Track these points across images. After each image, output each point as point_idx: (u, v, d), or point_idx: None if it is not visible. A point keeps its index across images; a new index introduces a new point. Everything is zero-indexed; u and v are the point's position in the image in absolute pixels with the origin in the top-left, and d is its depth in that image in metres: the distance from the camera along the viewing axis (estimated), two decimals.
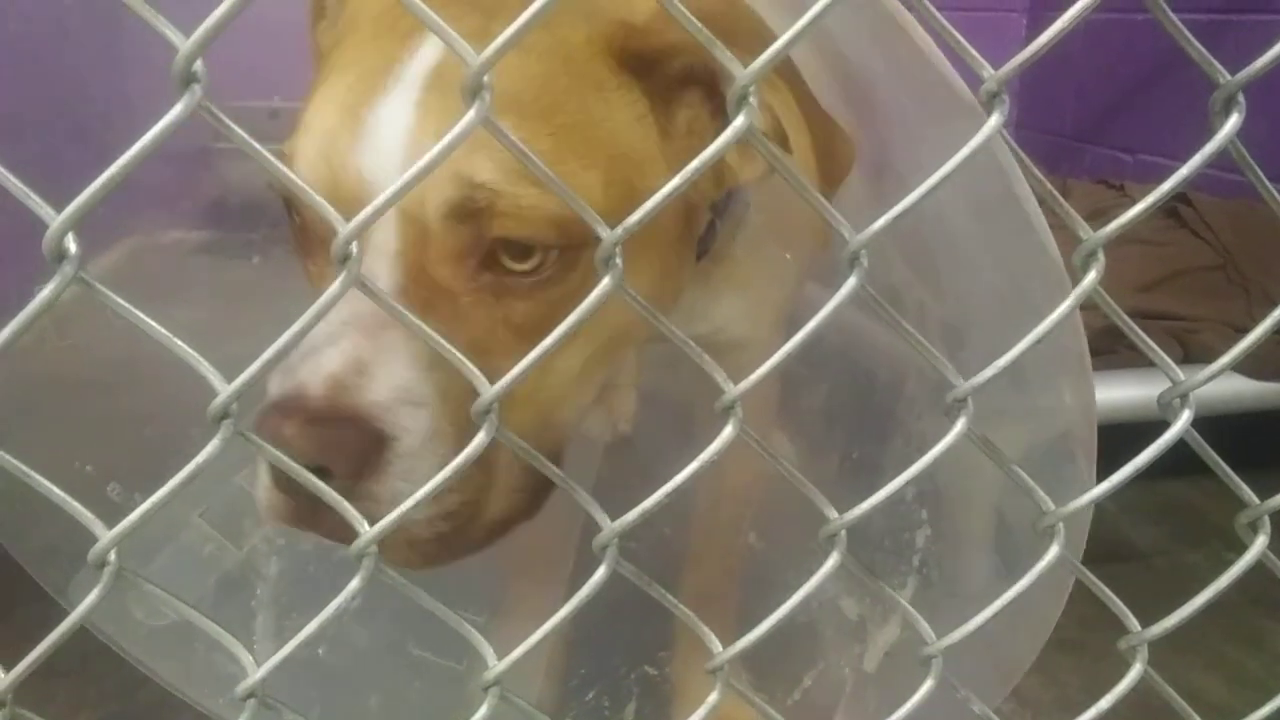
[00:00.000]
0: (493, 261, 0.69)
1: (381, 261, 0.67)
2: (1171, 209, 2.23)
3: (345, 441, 0.63)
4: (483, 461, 0.66)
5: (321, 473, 0.57)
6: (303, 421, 0.61)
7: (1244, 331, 0.53)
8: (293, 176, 0.41)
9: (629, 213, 0.69)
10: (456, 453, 0.65)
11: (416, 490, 0.63)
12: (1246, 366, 1.70)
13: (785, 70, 0.72)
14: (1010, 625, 0.59)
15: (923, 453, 0.54)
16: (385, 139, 0.67)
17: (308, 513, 0.66)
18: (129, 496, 1.07)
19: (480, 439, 0.47)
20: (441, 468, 0.64)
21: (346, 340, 0.64)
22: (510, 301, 0.70)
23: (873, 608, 1.11)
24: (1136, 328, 0.52)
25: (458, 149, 0.65)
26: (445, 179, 0.65)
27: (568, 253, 0.69)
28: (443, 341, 0.47)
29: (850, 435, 1.14)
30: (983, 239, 0.78)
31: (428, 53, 0.68)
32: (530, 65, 0.68)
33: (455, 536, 0.70)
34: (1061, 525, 0.55)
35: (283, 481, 0.66)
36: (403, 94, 0.67)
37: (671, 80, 0.75)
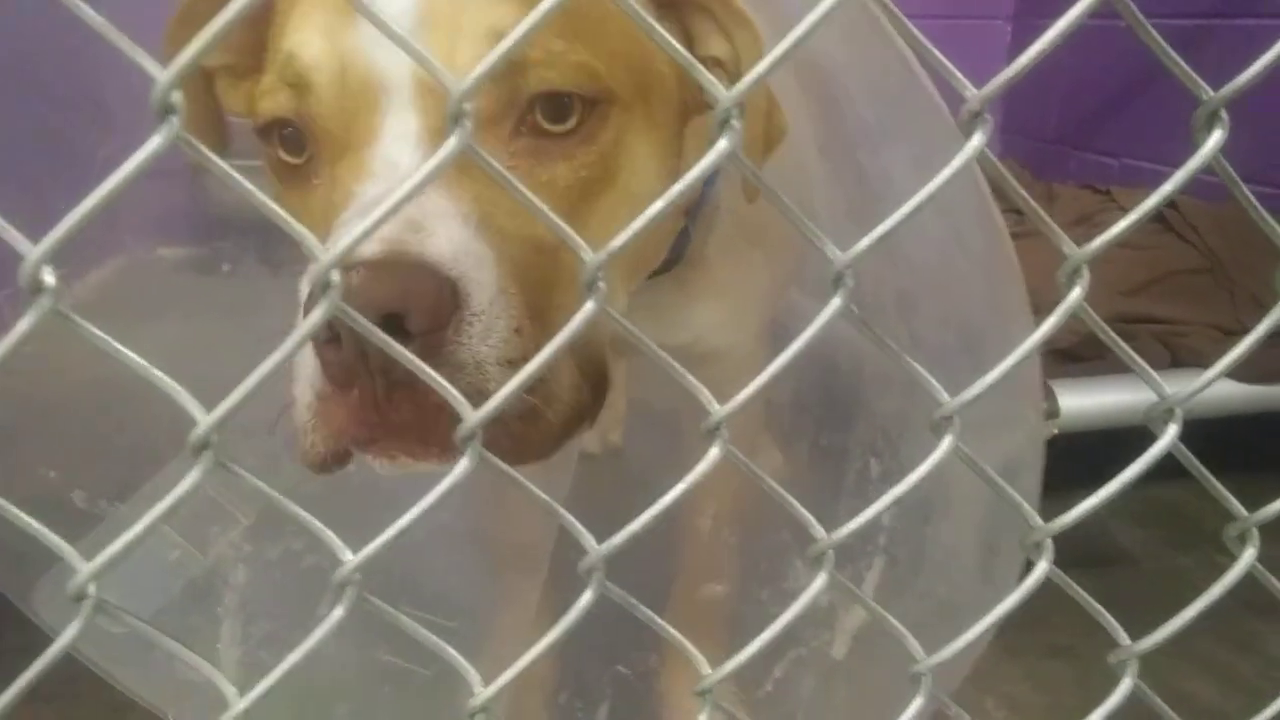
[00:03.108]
0: (529, 125, 0.67)
1: (403, 144, 0.65)
2: (1157, 213, 2.23)
3: (423, 285, 0.58)
4: (544, 337, 0.62)
5: (393, 332, 0.52)
6: (371, 267, 0.56)
7: (1230, 334, 0.54)
8: (270, 203, 0.41)
9: (635, 86, 0.71)
10: (524, 314, 0.62)
11: (495, 351, 0.60)
12: (1235, 370, 1.70)
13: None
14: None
15: (887, 434, 0.54)
16: (391, 10, 0.64)
17: (370, 405, 0.59)
18: (94, 502, 1.06)
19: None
20: (514, 328, 0.62)
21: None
22: (549, 164, 0.68)
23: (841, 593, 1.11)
24: (1124, 344, 0.52)
25: (478, 6, 0.65)
26: (479, 37, 0.64)
27: (599, 107, 0.69)
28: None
29: (817, 422, 1.14)
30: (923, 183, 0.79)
31: None
32: None
33: (543, 423, 0.66)
34: (1050, 540, 0.55)
35: (342, 370, 0.59)
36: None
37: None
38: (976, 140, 0.44)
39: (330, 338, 0.58)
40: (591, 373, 0.71)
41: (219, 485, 1.15)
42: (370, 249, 0.57)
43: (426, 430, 0.61)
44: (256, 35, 0.79)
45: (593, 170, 0.70)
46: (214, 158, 0.39)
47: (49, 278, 0.38)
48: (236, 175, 0.40)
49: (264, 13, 0.78)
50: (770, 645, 0.53)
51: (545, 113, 0.67)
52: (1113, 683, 0.62)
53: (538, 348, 0.64)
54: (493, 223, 0.63)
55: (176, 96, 0.36)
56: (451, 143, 0.40)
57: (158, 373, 0.42)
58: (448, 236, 0.60)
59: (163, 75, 0.35)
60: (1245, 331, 0.57)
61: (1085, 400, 1.66)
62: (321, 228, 0.65)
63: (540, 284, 0.66)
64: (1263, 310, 0.56)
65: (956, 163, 0.44)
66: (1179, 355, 1.88)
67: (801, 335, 0.46)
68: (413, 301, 0.56)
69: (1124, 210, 0.49)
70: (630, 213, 0.74)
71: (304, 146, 0.72)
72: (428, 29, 0.65)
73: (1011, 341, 0.70)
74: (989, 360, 0.64)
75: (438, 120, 0.64)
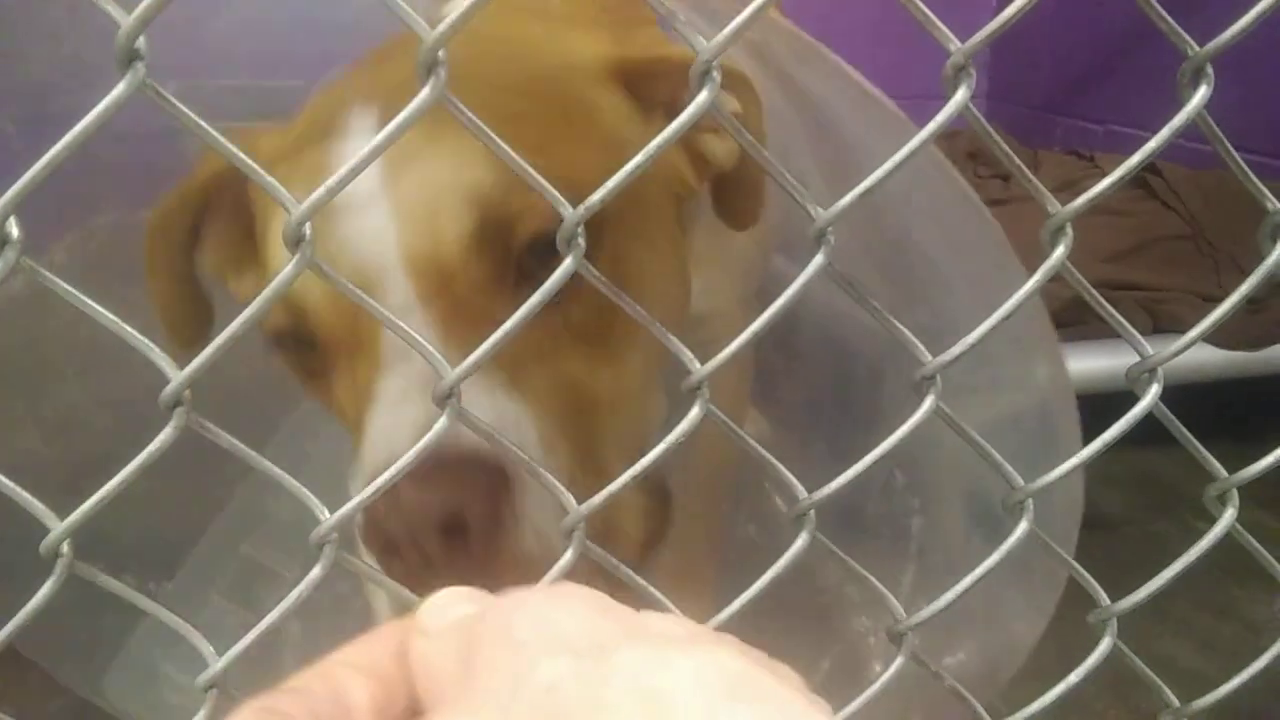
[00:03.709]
0: (526, 274, 0.64)
1: (408, 321, 0.59)
2: (1140, 180, 2.24)
3: (473, 478, 0.55)
4: (601, 475, 0.59)
5: (454, 533, 0.52)
6: (417, 480, 0.52)
7: (1212, 300, 0.53)
8: (243, 157, 0.40)
9: (624, 196, 0.68)
10: (576, 466, 0.60)
11: (555, 513, 0.54)
12: (1214, 336, 1.71)
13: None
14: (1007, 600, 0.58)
15: (910, 450, 0.53)
16: (364, 186, 0.63)
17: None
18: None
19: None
20: (569, 484, 0.56)
21: (414, 402, 0.58)
22: (561, 306, 0.62)
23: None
24: (1105, 302, 0.52)
25: (447, 179, 0.62)
26: (458, 199, 0.62)
27: (590, 231, 0.66)
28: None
29: (835, 425, 1.13)
30: (961, 274, 0.78)
31: (367, 106, 0.66)
32: (505, 96, 0.67)
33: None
34: (1030, 501, 0.55)
35: (411, 578, 0.55)
36: (365, 135, 0.64)
37: (655, 101, 0.75)
38: (960, 95, 0.44)
39: (389, 549, 0.55)
40: (656, 490, 0.68)
41: (260, 546, 1.16)
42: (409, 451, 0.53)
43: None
44: (243, 225, 0.78)
45: (601, 294, 0.65)
46: (187, 111, 0.38)
47: (14, 230, 0.38)
48: (212, 130, 0.39)
49: (246, 206, 0.77)
50: (810, 636, 0.52)
51: (537, 255, 0.64)
52: (1093, 645, 0.62)
53: (590, 491, 0.57)
54: (522, 378, 0.61)
55: (141, 43, 0.35)
56: (425, 93, 0.39)
57: (130, 330, 0.42)
58: (490, 422, 0.56)
59: (126, 20, 0.34)
60: (1227, 297, 0.57)
61: (1068, 366, 1.66)
62: (353, 420, 0.64)
63: (580, 423, 0.63)
64: (1245, 276, 0.56)
65: (941, 118, 0.44)
66: (1161, 321, 1.88)
67: (785, 292, 0.45)
68: (468, 495, 0.54)
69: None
70: (654, 316, 0.73)
71: (314, 345, 0.68)
72: (402, 198, 0.62)
73: (1031, 372, 0.69)
74: (1002, 375, 0.63)
75: (433, 285, 0.62)
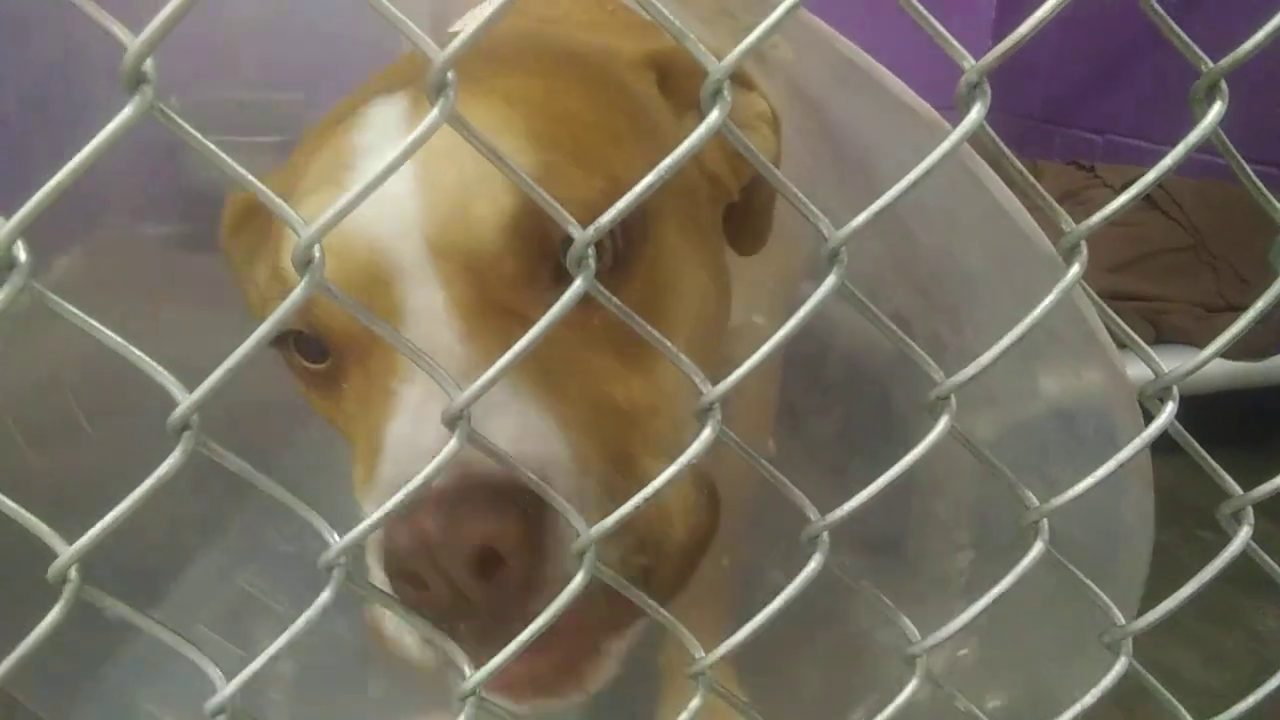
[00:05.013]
0: (563, 272, 0.58)
1: (434, 321, 0.57)
2: None
3: (507, 505, 0.49)
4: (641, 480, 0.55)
5: (487, 565, 0.47)
6: (443, 509, 0.48)
7: (1214, 311, 0.53)
8: (248, 175, 0.40)
9: (665, 189, 0.66)
10: (610, 469, 0.55)
11: (603, 540, 0.48)
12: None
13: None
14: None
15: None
16: (392, 190, 0.60)
17: (483, 645, 0.49)
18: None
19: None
20: (607, 495, 0.53)
21: (438, 413, 0.50)
22: (598, 305, 0.61)
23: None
24: (1119, 320, 0.51)
25: (482, 161, 0.58)
26: (493, 190, 0.56)
27: (635, 226, 0.61)
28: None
29: (874, 457, 1.13)
30: (1003, 280, 0.77)
31: (388, 110, 0.62)
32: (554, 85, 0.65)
33: (659, 573, 0.59)
34: (1045, 522, 0.55)
35: (440, 618, 0.51)
36: (384, 148, 0.60)
37: (688, 99, 0.74)
38: (975, 113, 0.43)
39: (415, 583, 0.51)
40: (702, 485, 0.65)
41: (253, 577, 1.14)
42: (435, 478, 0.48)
43: (560, 656, 0.55)
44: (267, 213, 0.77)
45: (645, 291, 0.62)
46: (192, 131, 0.37)
47: (21, 254, 0.37)
48: (215, 149, 0.38)
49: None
50: (840, 682, 0.51)
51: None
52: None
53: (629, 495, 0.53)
54: (551, 384, 0.56)
55: (149, 65, 0.34)
56: (434, 115, 0.38)
57: (137, 352, 0.41)
58: (510, 432, 0.51)
59: (133, 43, 0.34)
60: (1229, 308, 0.57)
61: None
62: (363, 432, 0.58)
63: (617, 431, 0.58)
64: (1247, 286, 0.56)
65: (955, 135, 0.43)
66: (1163, 332, 1.88)
67: (798, 313, 0.45)
68: (503, 526, 0.48)
69: (1109, 187, 0.48)
70: (699, 317, 0.67)
71: (324, 351, 0.64)
72: (431, 179, 0.58)
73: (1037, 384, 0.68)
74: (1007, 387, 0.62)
75: (461, 277, 0.58)
